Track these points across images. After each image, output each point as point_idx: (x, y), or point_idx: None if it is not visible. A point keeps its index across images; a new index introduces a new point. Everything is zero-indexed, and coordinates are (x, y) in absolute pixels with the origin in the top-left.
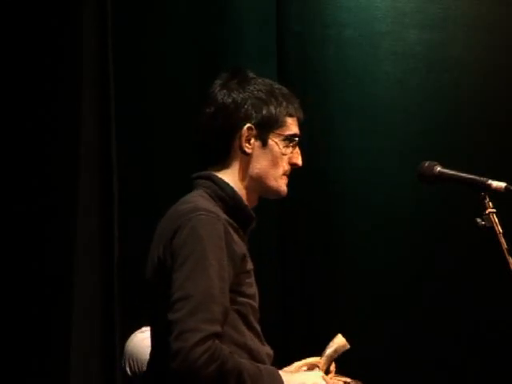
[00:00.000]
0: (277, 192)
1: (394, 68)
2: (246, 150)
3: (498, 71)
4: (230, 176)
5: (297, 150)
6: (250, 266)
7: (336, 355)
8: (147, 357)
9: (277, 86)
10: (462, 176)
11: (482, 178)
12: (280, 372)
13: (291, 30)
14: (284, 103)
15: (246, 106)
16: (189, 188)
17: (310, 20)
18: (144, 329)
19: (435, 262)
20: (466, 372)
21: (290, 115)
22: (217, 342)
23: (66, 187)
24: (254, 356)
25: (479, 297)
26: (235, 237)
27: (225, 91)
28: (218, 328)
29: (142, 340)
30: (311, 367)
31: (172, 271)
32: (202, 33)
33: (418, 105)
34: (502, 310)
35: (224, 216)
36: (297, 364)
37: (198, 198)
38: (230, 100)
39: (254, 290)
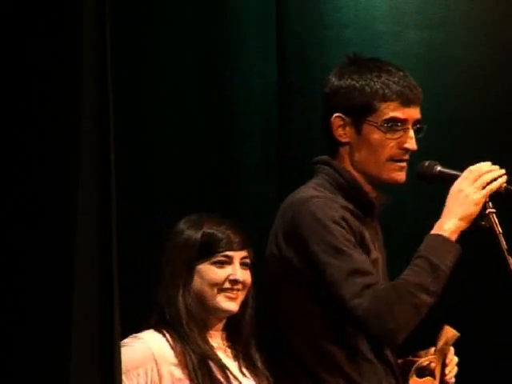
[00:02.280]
0: (383, 179)
1: None
2: (340, 139)
3: (498, 71)
4: (342, 163)
5: (408, 133)
6: (373, 254)
7: (448, 347)
8: None
9: (382, 70)
10: None
11: None
12: (432, 232)
13: (291, 30)
14: (377, 87)
15: (337, 94)
16: (189, 188)
17: (310, 20)
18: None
19: None
20: (466, 372)
21: (385, 100)
22: (371, 288)
23: (66, 187)
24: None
25: (479, 297)
26: (354, 224)
27: (330, 78)
28: (373, 279)
29: None
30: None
31: (303, 261)
32: (202, 33)
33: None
34: (501, 310)
35: (342, 202)
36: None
37: (311, 189)
38: (328, 88)
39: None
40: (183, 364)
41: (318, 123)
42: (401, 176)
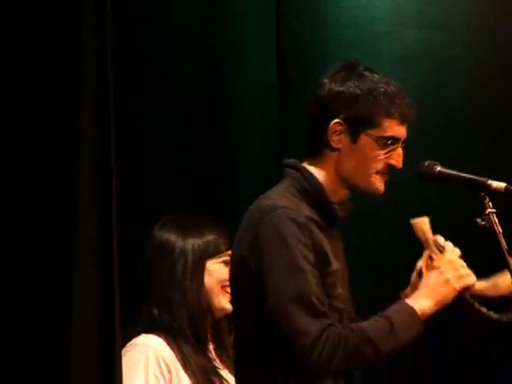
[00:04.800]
0: (367, 190)
1: (394, 68)
2: (334, 144)
3: (498, 71)
4: (319, 169)
5: (398, 151)
6: (334, 266)
7: (428, 235)
8: None
9: (384, 83)
10: (461, 176)
11: (481, 178)
12: (408, 300)
13: (291, 30)
14: (383, 103)
15: (339, 100)
16: (189, 188)
17: (310, 20)
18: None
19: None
20: (465, 371)
21: (389, 116)
22: (328, 330)
23: (66, 187)
24: None
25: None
26: (319, 235)
27: (326, 82)
28: (326, 320)
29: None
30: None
31: (259, 273)
32: (202, 33)
33: (417, 105)
34: (501, 310)
35: (307, 212)
36: (413, 277)
37: (280, 195)
38: (325, 92)
39: (338, 290)
40: (185, 367)
41: None
42: (382, 187)
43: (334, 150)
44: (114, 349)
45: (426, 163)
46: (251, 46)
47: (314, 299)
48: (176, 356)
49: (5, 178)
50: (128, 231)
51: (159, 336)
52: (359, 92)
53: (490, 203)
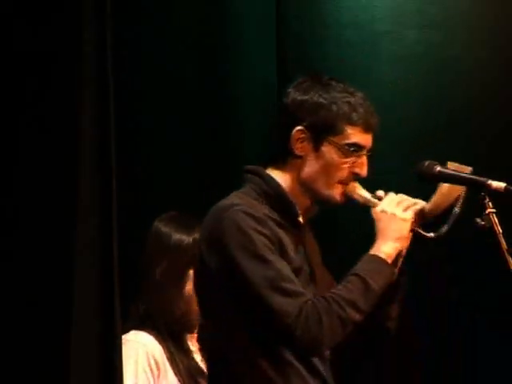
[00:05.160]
0: (327, 199)
1: (394, 68)
2: (297, 152)
3: (498, 71)
4: (281, 175)
5: (362, 159)
6: (294, 264)
7: (367, 194)
8: None
9: (349, 93)
10: (461, 176)
11: (481, 178)
12: (369, 252)
13: (291, 30)
14: (346, 111)
15: (302, 108)
16: (189, 188)
17: (310, 20)
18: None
19: (435, 262)
20: (464, 371)
21: (352, 124)
22: (306, 306)
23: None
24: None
25: (479, 297)
26: (275, 232)
27: (291, 91)
28: (301, 298)
29: None
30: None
31: (225, 270)
32: (202, 33)
33: (418, 105)
34: (502, 310)
35: (266, 211)
36: None
37: (237, 197)
38: (289, 101)
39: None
40: (172, 365)
41: None
42: (342, 198)
43: (297, 157)
44: (114, 349)
45: (426, 163)
46: (251, 45)
47: (284, 283)
48: (165, 353)
49: (5, 177)
50: (128, 231)
51: (149, 333)
52: (322, 100)
53: (490, 203)
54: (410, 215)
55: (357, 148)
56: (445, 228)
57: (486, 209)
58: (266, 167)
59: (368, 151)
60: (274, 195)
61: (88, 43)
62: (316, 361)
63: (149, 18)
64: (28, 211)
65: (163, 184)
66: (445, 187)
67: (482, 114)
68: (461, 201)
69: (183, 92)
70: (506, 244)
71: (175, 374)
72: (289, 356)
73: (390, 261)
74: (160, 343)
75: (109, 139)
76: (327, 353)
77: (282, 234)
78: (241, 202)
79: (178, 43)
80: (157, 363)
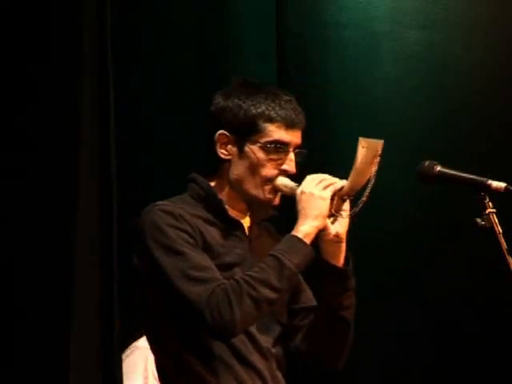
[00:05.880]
0: (257, 200)
1: (394, 68)
2: (223, 156)
3: (498, 71)
4: (216, 182)
5: (289, 156)
6: (225, 260)
7: (292, 183)
8: None
9: (271, 94)
10: (461, 176)
11: (481, 178)
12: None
13: (291, 30)
14: (263, 109)
15: (224, 113)
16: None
17: (310, 20)
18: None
19: (435, 262)
20: (465, 370)
21: (271, 121)
22: (216, 290)
23: (66, 186)
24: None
25: (479, 297)
26: (205, 230)
27: (216, 97)
28: (212, 284)
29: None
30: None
31: (145, 266)
32: (202, 33)
33: (417, 105)
34: (501, 310)
35: (196, 212)
36: None
37: (167, 200)
38: (214, 107)
39: None
40: None
41: (317, 123)
42: (275, 199)
43: (224, 161)
44: (114, 349)
45: (426, 163)
46: (251, 46)
47: (197, 271)
48: None
49: (5, 177)
50: (128, 231)
51: None
52: (242, 103)
53: (490, 203)
54: (328, 194)
55: (280, 145)
56: (358, 207)
57: (485, 209)
58: (205, 177)
59: (296, 147)
60: (206, 196)
61: (88, 43)
62: (254, 356)
63: (149, 18)
64: (28, 211)
65: (163, 184)
66: (359, 165)
67: (482, 114)
68: (373, 179)
69: (183, 92)
70: (506, 244)
71: None
72: (219, 351)
73: (308, 239)
74: None
75: (109, 140)
76: (274, 350)
77: (212, 231)
78: (164, 202)
79: (178, 43)
80: None
